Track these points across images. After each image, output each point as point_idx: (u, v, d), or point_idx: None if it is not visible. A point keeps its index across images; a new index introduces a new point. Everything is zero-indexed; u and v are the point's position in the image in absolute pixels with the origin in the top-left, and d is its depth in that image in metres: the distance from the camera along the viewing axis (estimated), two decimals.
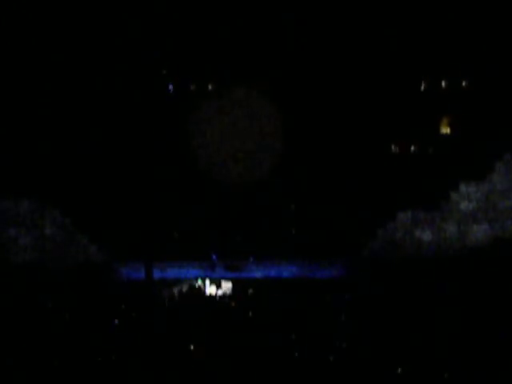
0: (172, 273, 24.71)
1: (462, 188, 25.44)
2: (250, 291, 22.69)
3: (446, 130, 27.38)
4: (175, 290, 23.51)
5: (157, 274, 24.03)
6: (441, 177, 25.89)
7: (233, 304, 21.01)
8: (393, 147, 27.39)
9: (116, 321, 18.30)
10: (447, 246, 25.34)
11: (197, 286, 24.01)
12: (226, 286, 23.96)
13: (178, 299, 22.15)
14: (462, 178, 25.48)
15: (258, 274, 24.63)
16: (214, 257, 24.78)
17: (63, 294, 21.01)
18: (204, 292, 23.52)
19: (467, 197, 25.44)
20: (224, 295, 22.81)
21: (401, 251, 25.26)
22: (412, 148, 27.26)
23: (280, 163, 27.14)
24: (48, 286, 21.95)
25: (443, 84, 27.24)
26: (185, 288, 23.77)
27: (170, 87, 27.36)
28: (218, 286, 24.02)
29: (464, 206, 25.41)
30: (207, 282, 24.27)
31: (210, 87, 27.49)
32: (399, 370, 14.96)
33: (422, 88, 27.43)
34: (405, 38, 27.01)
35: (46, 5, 26.39)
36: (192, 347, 16.39)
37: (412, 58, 27.09)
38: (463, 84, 27.17)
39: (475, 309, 18.96)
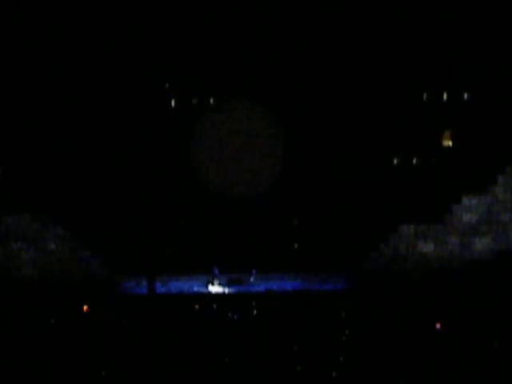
0: (174, 287, 24.71)
1: (465, 201, 25.42)
2: (253, 304, 22.65)
3: (447, 142, 27.42)
4: (178, 304, 23.47)
5: (159, 288, 24.05)
6: (443, 189, 25.88)
7: (235, 317, 21.01)
8: (395, 159, 27.43)
9: (118, 335, 18.33)
10: (450, 258, 25.30)
11: (199, 299, 23.97)
12: (229, 299, 23.92)
13: (181, 313, 22.12)
14: (464, 191, 25.46)
15: (260, 287, 24.62)
16: (216, 270, 24.78)
17: (65, 308, 21.02)
18: (206, 306, 23.46)
19: (470, 209, 25.42)
20: (226, 309, 22.76)
21: (403, 264, 25.23)
22: (414, 160, 27.30)
23: (281, 176, 27.19)
24: (50, 301, 21.96)
25: (445, 96, 27.30)
26: (187, 302, 23.73)
27: (172, 101, 27.46)
28: (221, 300, 23.97)
29: (466, 218, 25.38)
30: (209, 295, 24.25)
31: (211, 101, 27.59)
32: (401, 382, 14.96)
33: (424, 100, 27.49)
34: (407, 51, 27.12)
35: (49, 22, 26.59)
36: (195, 361, 16.41)
37: (414, 71, 27.18)
38: (465, 96, 27.23)
39: (478, 322, 18.94)
